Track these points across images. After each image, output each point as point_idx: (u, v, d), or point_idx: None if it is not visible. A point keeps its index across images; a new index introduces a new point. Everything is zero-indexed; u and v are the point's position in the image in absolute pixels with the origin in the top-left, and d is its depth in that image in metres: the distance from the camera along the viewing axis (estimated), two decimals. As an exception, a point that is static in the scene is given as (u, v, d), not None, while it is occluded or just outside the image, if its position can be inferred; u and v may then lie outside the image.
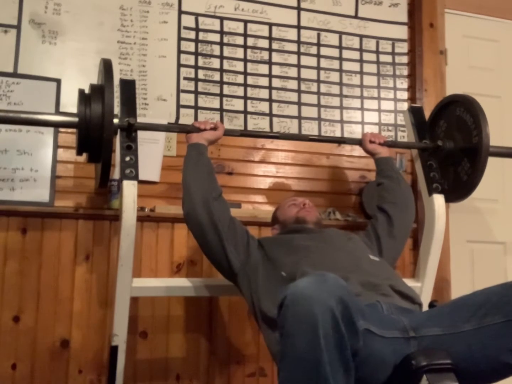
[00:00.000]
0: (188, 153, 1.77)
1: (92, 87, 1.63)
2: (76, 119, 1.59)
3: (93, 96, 1.59)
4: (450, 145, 2.02)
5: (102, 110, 1.54)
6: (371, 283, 1.44)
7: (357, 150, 2.57)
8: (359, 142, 2.07)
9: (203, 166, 1.73)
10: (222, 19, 2.44)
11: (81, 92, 1.62)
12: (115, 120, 1.66)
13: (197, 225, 1.65)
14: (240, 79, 2.43)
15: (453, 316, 1.24)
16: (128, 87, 1.78)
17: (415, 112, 2.09)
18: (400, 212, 1.88)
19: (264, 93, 2.46)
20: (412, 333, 1.22)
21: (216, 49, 2.41)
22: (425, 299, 1.95)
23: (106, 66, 1.59)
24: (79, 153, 1.66)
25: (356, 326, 1.05)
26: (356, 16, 2.65)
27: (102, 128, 1.53)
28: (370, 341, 1.13)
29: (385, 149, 2.03)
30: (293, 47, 2.53)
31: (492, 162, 2.04)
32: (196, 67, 2.38)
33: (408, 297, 1.47)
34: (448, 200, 2.05)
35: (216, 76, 2.40)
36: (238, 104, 2.41)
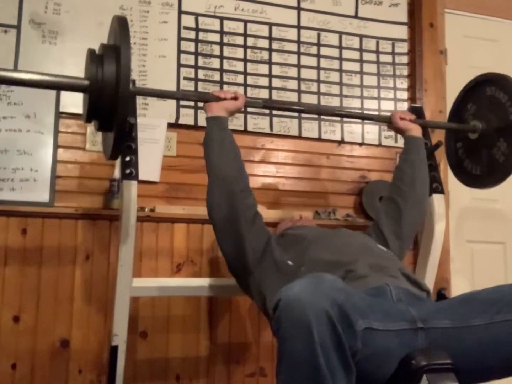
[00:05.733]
0: (209, 129, 1.60)
1: (105, 46, 1.46)
2: (86, 82, 1.42)
3: (106, 57, 1.42)
4: (483, 125, 1.92)
5: (118, 72, 1.37)
6: (380, 265, 1.41)
7: (357, 150, 2.58)
8: (388, 119, 1.93)
9: (229, 148, 1.58)
10: (222, 19, 2.44)
11: (92, 52, 1.45)
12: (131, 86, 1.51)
13: (219, 220, 1.54)
14: (240, 79, 2.43)
15: (463, 309, 1.21)
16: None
17: (415, 112, 2.08)
18: (412, 211, 1.73)
19: (264, 93, 2.46)
20: (421, 324, 1.19)
21: (216, 49, 2.41)
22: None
23: (122, 24, 1.40)
24: (87, 120, 1.49)
25: (354, 327, 1.03)
26: (356, 16, 2.65)
27: (117, 91, 1.36)
28: (372, 339, 1.12)
29: (417, 126, 1.87)
30: (293, 47, 2.53)
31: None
32: (196, 67, 2.38)
33: (416, 283, 1.44)
34: (483, 186, 1.98)
35: (216, 76, 2.40)
36: (238, 104, 2.41)
